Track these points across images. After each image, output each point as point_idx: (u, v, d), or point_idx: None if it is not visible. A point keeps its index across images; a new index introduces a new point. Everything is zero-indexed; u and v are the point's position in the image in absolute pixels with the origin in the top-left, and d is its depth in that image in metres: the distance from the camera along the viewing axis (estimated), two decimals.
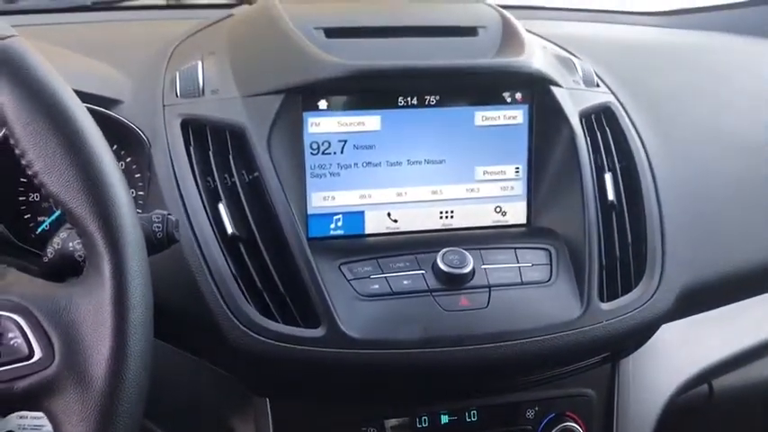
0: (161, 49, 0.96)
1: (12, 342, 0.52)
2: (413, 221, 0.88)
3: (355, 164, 0.86)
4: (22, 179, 0.92)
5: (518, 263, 0.80)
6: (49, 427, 0.70)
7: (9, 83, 0.52)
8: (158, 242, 0.63)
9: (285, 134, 0.82)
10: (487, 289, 0.77)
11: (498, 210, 0.90)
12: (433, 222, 0.89)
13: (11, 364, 0.52)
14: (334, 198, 0.86)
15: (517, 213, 0.91)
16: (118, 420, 0.52)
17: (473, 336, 0.74)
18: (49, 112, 0.53)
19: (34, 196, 0.92)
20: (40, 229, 0.91)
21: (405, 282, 0.76)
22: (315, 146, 0.85)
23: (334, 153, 0.85)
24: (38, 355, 0.52)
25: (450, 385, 0.79)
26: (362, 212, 0.87)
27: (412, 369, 0.73)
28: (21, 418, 0.70)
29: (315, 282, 0.74)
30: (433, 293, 0.76)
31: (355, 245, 0.84)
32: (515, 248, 0.81)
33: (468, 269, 0.77)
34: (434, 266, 0.78)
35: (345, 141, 0.86)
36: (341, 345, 0.72)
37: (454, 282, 0.77)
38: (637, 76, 1.05)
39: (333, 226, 0.86)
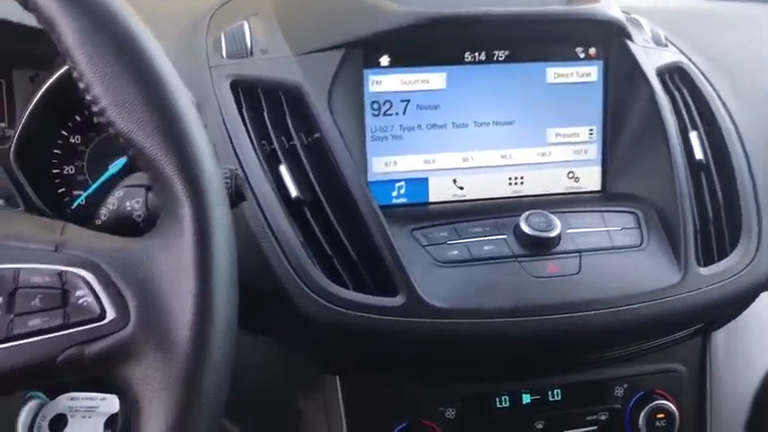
0: (198, 17, 0.89)
1: (80, 301, 0.45)
2: (480, 188, 0.82)
3: (419, 126, 0.80)
4: (55, 150, 0.85)
5: (606, 227, 0.73)
6: (103, 407, 0.63)
7: (74, 9, 0.45)
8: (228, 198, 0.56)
9: (344, 93, 0.76)
10: (577, 254, 0.70)
11: (571, 175, 0.84)
12: (501, 189, 0.82)
13: (81, 326, 0.45)
14: (396, 163, 0.80)
15: (591, 179, 0.84)
16: (204, 389, 0.45)
17: (566, 304, 0.67)
18: (119, 42, 0.46)
19: (69, 169, 0.86)
20: (75, 204, 0.85)
21: (486, 247, 0.70)
22: (376, 106, 0.78)
23: (397, 114, 0.79)
24: (111, 315, 0.45)
25: (537, 358, 0.72)
26: (426, 179, 0.81)
27: (500, 340, 0.66)
28: (72, 399, 0.63)
29: (390, 247, 0.67)
30: (519, 259, 0.69)
31: (421, 212, 0.78)
32: (601, 212, 0.74)
33: (555, 233, 0.71)
34: (517, 230, 0.71)
35: (408, 101, 0.79)
36: (422, 314, 0.65)
37: (541, 246, 0.70)
38: (702, 41, 0.99)
39: (395, 194, 0.79)
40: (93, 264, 0.46)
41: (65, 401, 0.63)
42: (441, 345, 0.67)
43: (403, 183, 0.80)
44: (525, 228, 0.71)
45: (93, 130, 0.88)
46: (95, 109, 0.47)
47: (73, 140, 0.87)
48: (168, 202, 0.47)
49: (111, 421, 0.62)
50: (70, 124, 0.87)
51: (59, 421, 0.62)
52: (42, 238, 0.48)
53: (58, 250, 0.47)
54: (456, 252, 0.69)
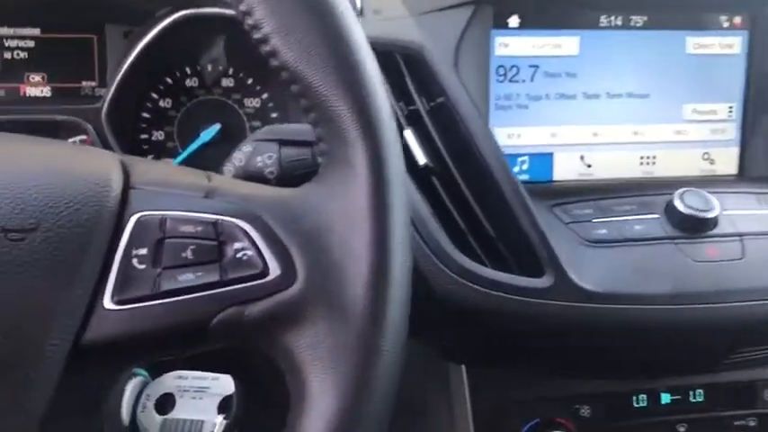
0: None
1: (239, 255, 0.39)
2: (609, 167, 0.74)
3: (546, 95, 0.73)
4: (144, 114, 0.79)
5: (766, 209, 0.66)
6: (216, 388, 0.57)
7: None
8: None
9: (469, 56, 0.69)
10: (738, 238, 0.63)
11: (706, 156, 0.76)
12: (631, 169, 0.75)
13: (240, 283, 0.38)
14: (519, 136, 0.73)
15: (728, 161, 0.77)
16: (381, 358, 0.38)
17: (730, 291, 0.60)
18: None
19: (158, 135, 0.80)
20: None
21: (637, 227, 0.62)
22: (501, 71, 0.71)
23: (523, 81, 0.72)
24: (275, 272, 0.38)
25: (680, 354, 0.65)
26: (551, 154, 0.74)
27: (656, 328, 0.59)
28: (179, 378, 0.56)
29: (534, 224, 0.60)
30: (675, 241, 0.62)
31: (548, 190, 0.71)
32: (756, 194, 0.67)
33: (713, 213, 0.63)
34: (670, 210, 0.64)
35: (537, 67, 0.72)
36: (572, 297, 0.58)
37: (698, 228, 0.63)
38: None
39: (517, 169, 0.72)
40: (251, 213, 0.40)
41: (171, 380, 0.56)
42: (590, 331, 0.59)
43: (526, 158, 0.73)
44: (680, 206, 0.63)
45: (184, 94, 0.82)
46: (258, 36, 0.40)
47: (163, 104, 0.81)
48: (336, 145, 0.40)
49: (225, 403, 0.55)
50: (161, 87, 0.81)
51: (166, 401, 0.56)
52: (189, 183, 0.41)
53: (209, 197, 0.40)
54: (604, 231, 0.62)
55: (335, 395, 0.37)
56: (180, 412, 0.55)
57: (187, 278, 0.38)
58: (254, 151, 0.53)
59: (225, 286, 0.38)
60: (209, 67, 0.82)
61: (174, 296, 0.38)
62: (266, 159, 0.52)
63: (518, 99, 0.72)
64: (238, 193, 0.40)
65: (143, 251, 0.38)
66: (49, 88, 0.77)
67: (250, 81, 0.83)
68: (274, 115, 0.83)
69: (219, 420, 0.54)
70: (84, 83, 0.78)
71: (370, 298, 0.38)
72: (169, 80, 0.81)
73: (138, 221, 0.39)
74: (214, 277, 0.38)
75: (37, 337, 0.36)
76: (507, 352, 0.63)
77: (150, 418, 0.55)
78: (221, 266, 0.38)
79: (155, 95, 0.80)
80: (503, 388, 0.64)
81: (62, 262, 0.37)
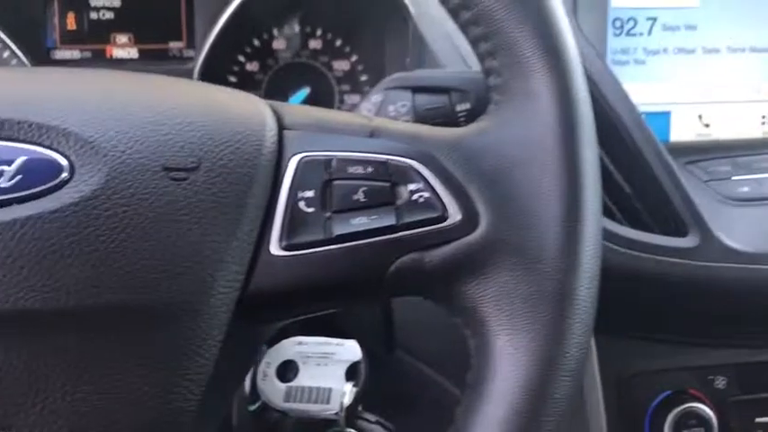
0: None
1: (415, 197, 0.35)
2: (728, 127, 0.70)
3: (664, 49, 0.68)
4: (231, 78, 0.76)
5: None
6: (341, 354, 0.53)
7: None
8: None
9: (586, 8, 0.65)
10: None
11: None
12: (751, 129, 0.70)
13: (418, 227, 0.35)
14: (636, 93, 0.68)
15: None
16: (579, 307, 0.34)
17: None
18: None
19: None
20: None
21: None
22: (618, 24, 0.67)
23: (641, 34, 0.68)
24: (455, 215, 0.35)
25: None
26: (668, 113, 0.69)
27: None
28: (300, 344, 0.53)
29: (675, 181, 0.56)
30: None
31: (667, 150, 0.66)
32: None
33: None
34: None
35: (654, 20, 0.68)
36: (720, 258, 0.54)
37: None
38: None
39: None
40: (424, 153, 0.36)
41: (292, 346, 0.53)
42: (735, 293, 0.55)
43: (643, 116, 0.68)
44: None
45: (271, 57, 0.78)
46: None
47: (250, 68, 0.77)
48: (516, 77, 0.37)
49: (352, 370, 0.52)
50: (248, 50, 0.78)
51: (288, 368, 0.52)
52: (350, 123, 0.38)
53: (375, 136, 0.37)
54: (746, 189, 0.58)
55: (528, 350, 0.33)
56: (304, 379, 0.52)
57: (361, 222, 0.34)
58: (385, 100, 0.49)
59: (402, 231, 0.35)
60: (297, 29, 0.79)
61: (347, 241, 0.34)
62: (399, 108, 0.49)
63: (635, 54, 0.68)
64: (406, 132, 0.37)
65: (309, 193, 0.35)
66: (136, 50, 0.74)
67: (339, 43, 0.79)
68: (364, 78, 0.80)
69: (349, 388, 0.51)
70: (171, 44, 0.75)
71: (565, 241, 0.34)
72: (257, 42, 0.78)
73: (300, 163, 0.35)
74: (390, 221, 0.35)
75: (205, 284, 0.33)
76: (641, 318, 0.59)
77: (273, 387, 0.52)
78: (397, 210, 0.35)
79: (242, 59, 0.77)
80: (632, 358, 0.60)
81: (225, 204, 0.34)
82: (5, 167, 0.32)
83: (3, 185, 0.32)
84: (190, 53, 0.74)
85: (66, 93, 0.35)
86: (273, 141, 0.36)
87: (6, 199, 0.31)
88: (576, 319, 0.34)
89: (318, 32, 0.79)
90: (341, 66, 0.80)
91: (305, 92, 0.77)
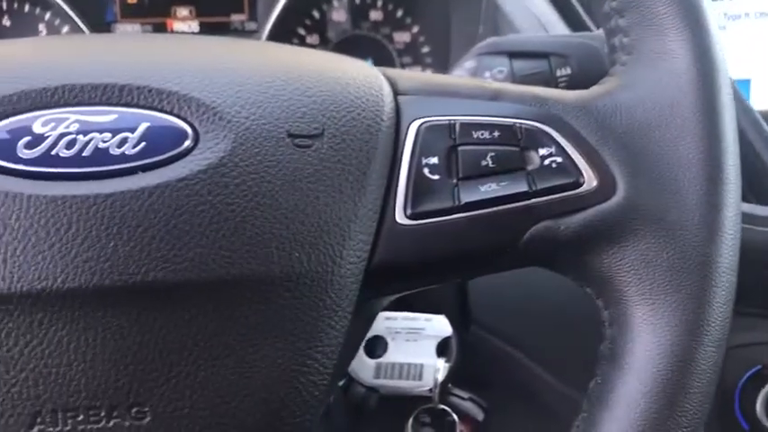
0: None
1: (548, 162, 0.33)
2: None
3: (746, 14, 0.66)
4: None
5: None
6: (431, 329, 0.52)
7: None
8: None
9: None
10: None
11: None
12: None
13: (552, 194, 0.33)
14: None
15: None
16: (722, 276, 0.33)
17: None
18: None
19: None
20: None
21: None
22: None
23: None
24: (590, 181, 0.33)
25: None
26: (749, 80, 0.67)
27: None
28: (387, 319, 0.52)
29: None
30: None
31: None
32: None
33: None
34: None
35: None
36: None
37: None
38: None
39: None
40: (553, 116, 0.34)
41: (380, 321, 0.52)
42: None
43: None
44: None
45: (331, 30, 0.77)
46: None
47: (310, 41, 0.76)
48: (648, 35, 0.35)
49: (443, 346, 0.51)
50: (308, 22, 0.76)
51: (376, 344, 0.51)
52: (469, 86, 0.36)
53: (498, 99, 0.35)
54: None
55: (672, 319, 0.32)
56: (394, 355, 0.51)
57: (490, 188, 0.33)
58: (480, 66, 0.48)
59: (535, 197, 0.33)
60: (357, 0, 0.77)
61: (477, 209, 0.33)
62: (496, 74, 0.47)
63: (716, 19, 0.65)
64: (531, 95, 0.35)
65: (434, 160, 0.33)
66: (197, 23, 0.73)
67: (400, 13, 0.78)
68: (426, 50, 0.78)
69: (442, 364, 0.50)
70: (233, 16, 0.73)
71: (707, 207, 0.32)
72: (316, 14, 0.76)
73: (421, 128, 0.34)
74: (522, 187, 0.33)
75: (334, 254, 0.31)
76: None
77: (362, 363, 0.51)
78: (528, 175, 0.33)
79: (302, 31, 0.76)
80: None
81: (349, 171, 0.32)
82: (129, 134, 0.31)
83: (127, 152, 0.30)
84: (251, 26, 0.73)
85: (183, 59, 0.34)
86: (391, 107, 0.34)
87: (131, 167, 0.30)
88: (720, 286, 0.32)
89: (379, 3, 0.77)
90: (402, 37, 0.78)
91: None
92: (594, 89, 0.36)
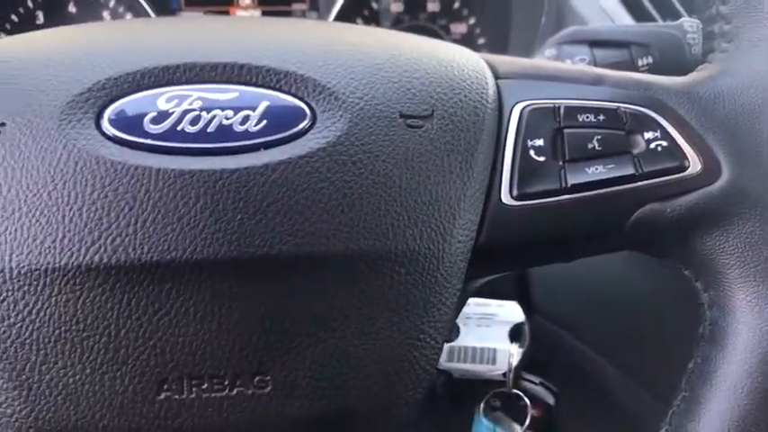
0: None
1: (654, 146, 0.34)
2: None
3: None
4: None
5: None
6: (503, 315, 0.53)
7: None
8: None
9: None
10: None
11: None
12: None
13: (658, 177, 0.34)
14: None
15: None
16: None
17: None
18: None
19: None
20: None
21: None
22: None
23: None
24: (695, 165, 0.34)
25: None
26: None
27: None
28: None
29: None
30: None
31: None
32: None
33: None
34: None
35: None
36: None
37: None
38: None
39: None
40: (656, 101, 0.35)
41: None
42: None
43: None
44: None
45: (388, 20, 0.77)
46: None
47: None
48: (750, 22, 0.35)
49: (515, 331, 0.51)
50: (366, 12, 0.77)
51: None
52: (570, 71, 0.37)
53: (600, 84, 0.36)
54: None
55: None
56: (466, 340, 0.51)
57: (597, 171, 0.34)
58: (561, 55, 0.48)
59: (642, 180, 0.34)
60: None
61: (584, 190, 0.33)
62: (578, 63, 0.47)
63: None
64: (634, 80, 0.36)
65: (539, 142, 0.34)
66: (259, 11, 0.74)
67: (456, 5, 0.78)
68: (482, 41, 0.79)
69: (515, 349, 0.51)
70: (294, 5, 0.74)
71: None
72: (374, 5, 0.77)
73: (525, 111, 0.35)
74: (628, 170, 0.34)
75: (444, 232, 0.32)
76: None
77: None
78: (635, 158, 0.34)
79: (359, 22, 0.76)
80: None
81: (458, 151, 0.33)
82: (250, 112, 0.31)
83: (251, 129, 0.31)
84: (312, 16, 0.73)
85: (296, 40, 0.34)
86: (494, 90, 0.35)
87: (254, 144, 0.31)
88: None
89: None
90: (458, 29, 0.79)
91: None
92: (694, 75, 0.36)
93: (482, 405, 0.52)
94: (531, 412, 0.51)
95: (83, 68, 0.32)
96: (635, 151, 0.34)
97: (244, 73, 0.32)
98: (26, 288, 0.29)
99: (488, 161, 0.34)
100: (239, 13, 0.73)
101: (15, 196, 0.30)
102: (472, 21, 0.78)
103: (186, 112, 0.31)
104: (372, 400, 0.31)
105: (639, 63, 0.47)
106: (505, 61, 0.37)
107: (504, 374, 0.50)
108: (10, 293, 0.29)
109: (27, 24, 0.74)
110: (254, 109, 0.31)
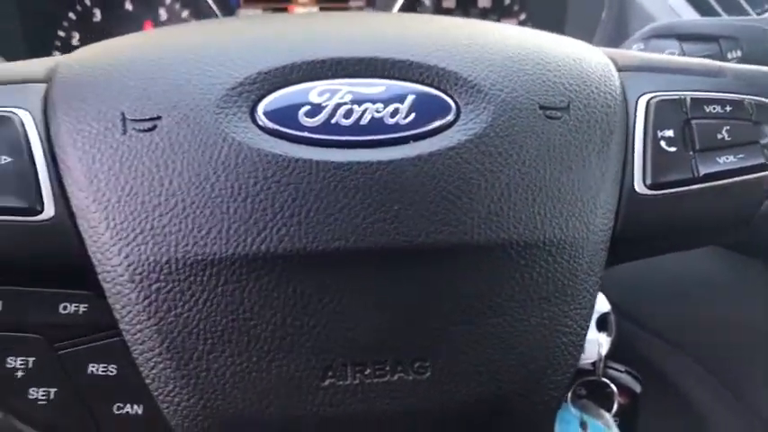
0: None
1: None
2: None
3: None
4: None
5: None
6: None
7: None
8: None
9: None
10: None
11: None
12: None
13: None
14: None
15: None
16: None
17: None
18: None
19: None
20: None
21: None
22: None
23: None
24: None
25: None
26: None
27: None
28: None
29: None
30: None
31: None
32: None
33: None
34: None
35: None
36: None
37: None
38: None
39: None
40: None
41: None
42: None
43: None
44: None
45: (441, 15, 0.78)
46: None
47: None
48: None
49: (602, 321, 0.52)
50: (419, 9, 0.77)
51: None
52: (692, 61, 0.37)
53: (722, 76, 0.37)
54: None
55: None
56: None
57: (728, 160, 0.35)
58: (649, 49, 0.49)
59: None
60: None
61: (716, 180, 0.34)
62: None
63: None
64: (760, 72, 0.37)
65: (669, 133, 0.35)
66: (317, 8, 0.74)
67: (508, 1, 0.79)
68: None
69: (604, 338, 0.51)
70: (351, 2, 0.75)
71: None
72: (427, 2, 0.78)
73: (653, 102, 0.36)
74: (758, 159, 0.35)
75: (588, 221, 0.33)
76: None
77: None
78: (764, 148, 0.35)
79: None
80: None
81: (593, 142, 0.34)
82: (399, 105, 0.32)
83: (401, 122, 0.32)
84: (369, 12, 0.74)
85: (432, 35, 0.35)
86: (619, 83, 0.36)
87: (405, 136, 0.32)
88: None
89: None
90: (509, 24, 0.79)
91: None
92: None
93: (569, 394, 0.53)
94: (617, 400, 0.52)
95: (232, 63, 0.32)
96: (762, 141, 0.35)
97: (388, 67, 0.33)
98: (193, 278, 0.30)
99: (621, 151, 0.35)
100: (297, 9, 0.74)
101: (178, 188, 0.30)
102: (522, 16, 0.79)
103: (339, 105, 0.32)
104: (523, 385, 0.32)
105: (729, 56, 0.48)
106: (623, 54, 0.38)
107: (594, 363, 0.51)
108: (177, 284, 0.30)
109: (85, 22, 0.74)
110: (401, 102, 0.32)
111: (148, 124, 0.31)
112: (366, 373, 0.31)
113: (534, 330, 0.32)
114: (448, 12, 0.78)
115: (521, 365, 0.32)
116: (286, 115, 0.32)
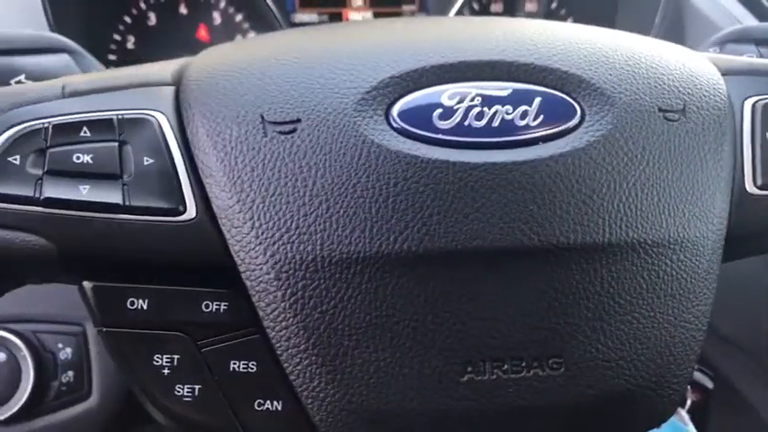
0: None
1: None
2: None
3: None
4: None
5: None
6: None
7: None
8: None
9: None
10: None
11: None
12: None
13: None
14: None
15: None
16: None
17: None
18: None
19: None
20: None
21: None
22: None
23: None
24: None
25: None
26: None
27: None
28: None
29: None
30: None
31: None
32: None
33: None
34: None
35: None
36: None
37: None
38: None
39: None
40: None
41: None
42: None
43: None
44: None
45: None
46: None
47: None
48: None
49: None
50: (466, 13, 0.78)
51: None
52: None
53: None
54: None
55: None
56: None
57: None
58: (725, 53, 0.50)
59: None
60: None
61: None
62: None
63: None
64: None
65: None
66: (371, 12, 0.75)
67: (554, 5, 0.80)
68: None
69: None
70: (404, 7, 0.76)
71: None
72: (476, 6, 0.79)
73: (759, 105, 0.37)
74: None
75: (707, 220, 0.34)
76: None
77: None
78: None
79: None
80: None
81: (709, 144, 0.35)
82: (527, 107, 0.33)
83: (530, 124, 0.33)
84: (422, 16, 0.75)
85: (548, 38, 0.36)
86: (724, 87, 0.37)
87: (535, 137, 0.33)
88: None
89: None
90: None
91: None
92: None
93: None
94: (690, 397, 0.53)
95: (366, 67, 0.33)
96: None
97: (513, 70, 0.34)
98: (337, 276, 0.31)
99: (732, 152, 0.36)
100: (352, 14, 0.75)
101: (321, 189, 0.31)
102: (570, 21, 0.80)
103: (470, 108, 0.33)
104: (652, 380, 0.33)
105: None
106: (722, 58, 0.39)
107: None
108: (322, 282, 0.31)
109: (140, 25, 0.75)
110: (529, 104, 0.33)
111: (289, 127, 0.32)
112: (504, 368, 0.32)
113: (660, 326, 0.33)
114: (496, 15, 0.79)
115: (649, 360, 0.33)
116: (420, 118, 0.32)
